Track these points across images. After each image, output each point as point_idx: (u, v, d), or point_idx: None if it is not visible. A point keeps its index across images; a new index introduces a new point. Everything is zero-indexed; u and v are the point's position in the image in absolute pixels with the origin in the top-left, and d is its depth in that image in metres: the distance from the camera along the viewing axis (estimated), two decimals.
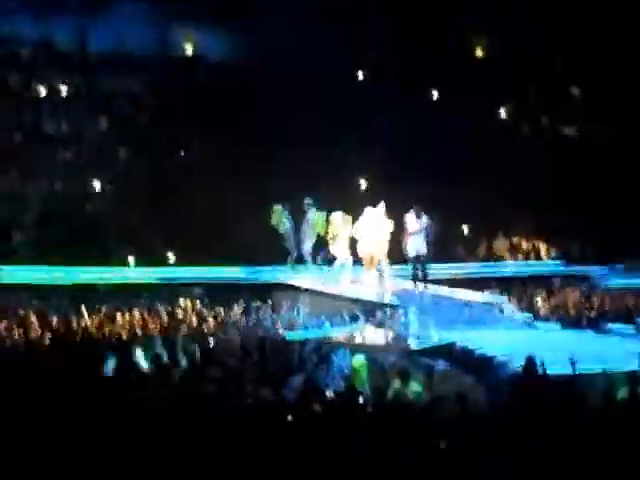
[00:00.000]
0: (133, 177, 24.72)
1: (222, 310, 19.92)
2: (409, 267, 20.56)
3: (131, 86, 26.75)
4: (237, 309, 20.03)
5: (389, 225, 20.06)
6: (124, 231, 23.25)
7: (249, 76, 26.48)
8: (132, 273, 22.18)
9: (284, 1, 26.27)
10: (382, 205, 20.12)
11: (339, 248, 20.74)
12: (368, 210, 20.14)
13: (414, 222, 20.01)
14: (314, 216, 21.41)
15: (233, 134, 25.44)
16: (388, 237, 20.07)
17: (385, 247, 20.07)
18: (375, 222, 20.03)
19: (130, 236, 23.16)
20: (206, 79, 27.12)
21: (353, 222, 20.49)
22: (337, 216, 20.88)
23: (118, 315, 18.69)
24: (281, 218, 21.78)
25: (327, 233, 21.02)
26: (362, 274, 20.66)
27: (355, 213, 20.66)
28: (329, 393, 12.87)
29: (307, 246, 21.59)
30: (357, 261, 20.72)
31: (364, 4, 27.14)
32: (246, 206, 23.72)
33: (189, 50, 27.78)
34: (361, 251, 20.22)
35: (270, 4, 26.19)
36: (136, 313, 18.89)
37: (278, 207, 21.89)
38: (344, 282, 20.62)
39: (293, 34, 25.77)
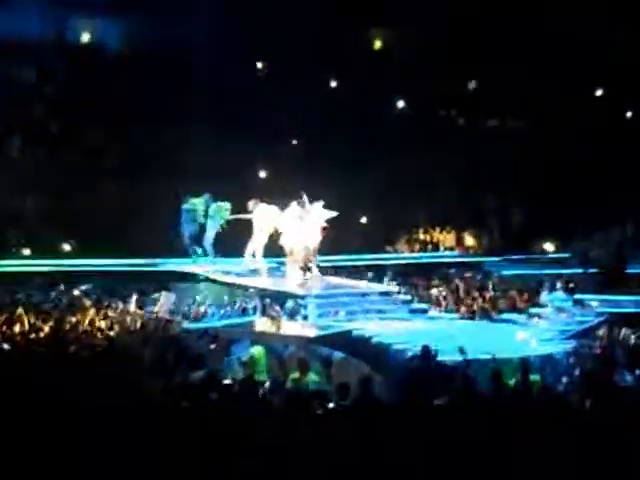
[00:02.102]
0: (27, 167, 24.34)
1: (120, 302, 19.77)
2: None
3: (26, 75, 26.29)
4: (135, 300, 19.90)
5: (314, 219, 20.17)
6: (17, 222, 22.89)
7: (147, 66, 26.26)
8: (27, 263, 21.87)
9: None
10: (305, 199, 20.23)
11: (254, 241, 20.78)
12: (293, 204, 20.20)
13: (302, 213, 20.07)
14: (216, 208, 21.42)
15: (131, 125, 25.26)
16: (312, 231, 20.15)
17: (308, 241, 20.14)
18: (298, 216, 20.11)
19: (25, 227, 22.82)
20: (104, 68, 26.79)
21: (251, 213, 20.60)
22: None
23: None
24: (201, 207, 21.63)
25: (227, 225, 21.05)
26: (283, 267, 20.74)
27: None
28: (228, 382, 12.93)
29: (209, 238, 21.58)
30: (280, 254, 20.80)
31: None
32: (148, 198, 23.62)
33: (86, 39, 27.42)
34: (283, 243, 20.31)
35: None
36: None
37: (203, 198, 21.66)
38: (246, 272, 20.68)
39: (191, 24, 25.65)
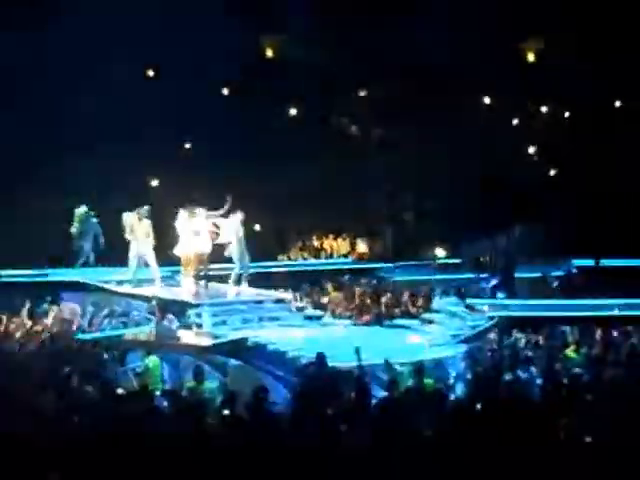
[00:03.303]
0: None
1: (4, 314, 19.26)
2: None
3: None
4: (24, 312, 19.41)
5: (208, 226, 20.11)
6: None
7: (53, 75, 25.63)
8: None
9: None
10: (200, 208, 20.17)
11: (139, 247, 20.57)
12: (182, 212, 20.08)
13: (187, 221, 20.05)
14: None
15: (24, 133, 24.76)
16: (206, 238, 20.09)
17: (202, 248, 20.07)
18: (191, 224, 20.02)
19: None
20: None
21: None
22: (130, 216, 20.71)
23: None
24: (83, 219, 21.60)
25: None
26: (179, 275, 20.61)
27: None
28: (121, 392, 12.80)
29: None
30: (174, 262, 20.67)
31: None
32: (38, 206, 23.24)
33: None
34: (178, 252, 20.17)
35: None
36: None
37: (82, 209, 21.77)
38: (138, 281, 20.50)
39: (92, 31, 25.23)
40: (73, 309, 19.84)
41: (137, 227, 20.45)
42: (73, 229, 21.96)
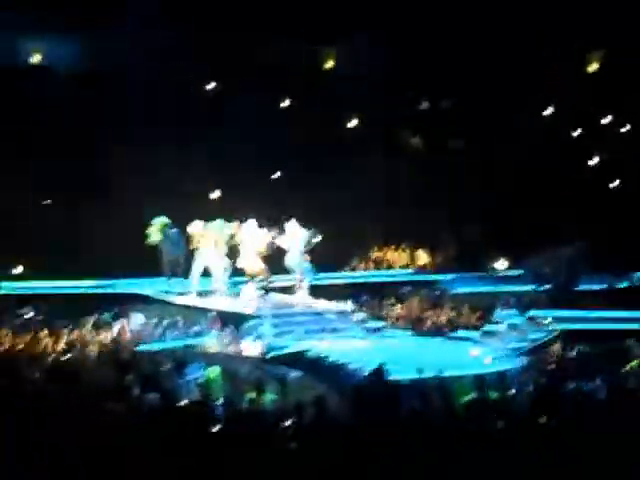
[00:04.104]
0: None
1: (69, 325, 19.52)
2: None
3: None
4: (89, 323, 19.70)
5: (261, 238, 20.30)
6: None
7: (99, 86, 26.10)
8: None
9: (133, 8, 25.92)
10: (252, 220, 20.38)
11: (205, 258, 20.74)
12: (246, 224, 20.33)
13: (254, 232, 20.31)
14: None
15: (83, 145, 25.11)
16: (260, 250, 20.28)
17: (258, 260, 20.26)
18: (249, 236, 20.22)
19: None
20: (55, 90, 26.52)
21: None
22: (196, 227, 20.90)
23: None
24: (162, 232, 21.40)
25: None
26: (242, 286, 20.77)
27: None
28: (184, 403, 12.90)
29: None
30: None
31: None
32: (99, 218, 23.52)
33: (36, 60, 27.15)
34: (242, 263, 20.38)
35: (118, 12, 25.82)
36: None
37: (160, 220, 21.46)
38: (199, 292, 20.67)
39: (144, 42, 25.57)
40: (136, 320, 20.06)
41: (203, 238, 20.62)
42: (153, 239, 21.54)
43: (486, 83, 27.54)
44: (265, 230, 20.52)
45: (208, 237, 20.58)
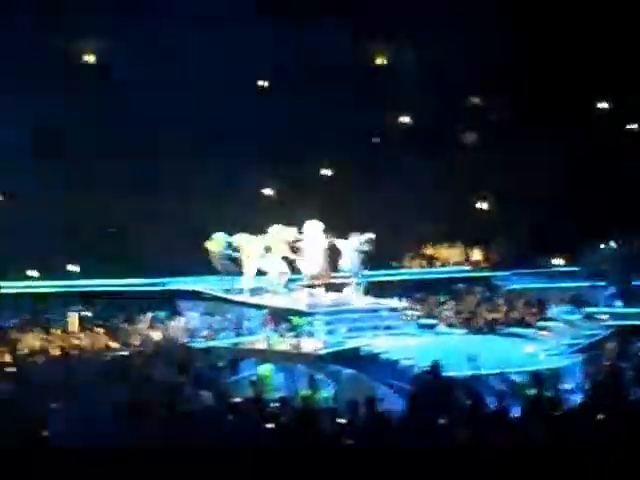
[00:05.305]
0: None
1: (126, 321, 19.71)
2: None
3: None
4: (144, 320, 19.88)
5: (321, 239, 20.39)
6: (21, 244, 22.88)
7: (143, 87, 26.06)
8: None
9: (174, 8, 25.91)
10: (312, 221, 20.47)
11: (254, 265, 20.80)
12: (306, 226, 20.40)
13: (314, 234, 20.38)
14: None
15: (127, 147, 25.25)
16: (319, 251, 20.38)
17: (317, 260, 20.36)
18: (308, 238, 20.32)
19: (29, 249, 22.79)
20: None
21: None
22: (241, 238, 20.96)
23: None
24: (222, 246, 21.11)
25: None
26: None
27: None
28: (238, 400, 12.93)
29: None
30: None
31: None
32: (149, 217, 23.70)
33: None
34: (301, 264, 20.49)
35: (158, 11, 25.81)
36: None
37: (219, 235, 21.17)
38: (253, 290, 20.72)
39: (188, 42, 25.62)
40: (189, 317, 20.16)
41: (248, 246, 20.59)
42: (213, 249, 21.08)
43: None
44: (323, 231, 20.53)
45: (263, 243, 20.58)
